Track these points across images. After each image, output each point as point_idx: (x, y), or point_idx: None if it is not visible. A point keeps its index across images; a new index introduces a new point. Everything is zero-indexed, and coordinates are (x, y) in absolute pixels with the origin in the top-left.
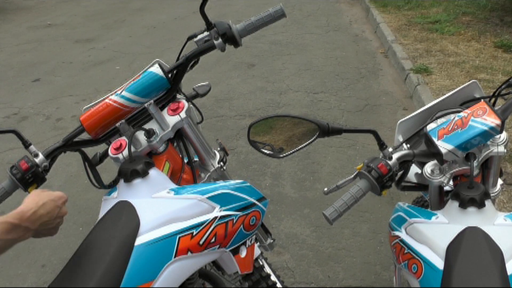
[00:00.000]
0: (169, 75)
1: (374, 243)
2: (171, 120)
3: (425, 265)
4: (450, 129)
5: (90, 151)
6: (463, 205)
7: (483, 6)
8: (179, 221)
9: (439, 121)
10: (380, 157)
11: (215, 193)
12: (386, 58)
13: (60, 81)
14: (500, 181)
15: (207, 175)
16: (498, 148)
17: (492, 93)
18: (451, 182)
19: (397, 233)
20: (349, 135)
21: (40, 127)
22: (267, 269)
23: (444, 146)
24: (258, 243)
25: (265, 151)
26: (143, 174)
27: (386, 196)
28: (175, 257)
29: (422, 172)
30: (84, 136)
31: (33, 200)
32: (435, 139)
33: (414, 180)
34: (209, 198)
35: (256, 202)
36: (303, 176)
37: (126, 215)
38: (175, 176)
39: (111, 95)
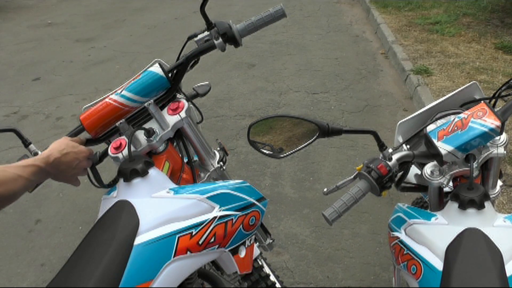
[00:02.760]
0: (169, 75)
1: (374, 243)
2: (171, 119)
3: (424, 266)
4: (450, 130)
5: None
6: (463, 206)
7: (483, 7)
8: (178, 221)
9: (439, 122)
10: (380, 158)
11: (215, 193)
12: (387, 59)
13: (60, 80)
14: (499, 183)
15: (206, 175)
16: (498, 149)
17: (492, 95)
18: (450, 183)
19: (396, 234)
20: (349, 135)
21: (40, 126)
22: (266, 269)
23: (444, 147)
24: (257, 243)
25: (265, 151)
26: (143, 173)
27: (386, 197)
28: (174, 256)
29: (421, 173)
30: (84, 135)
31: (59, 147)
32: (435, 140)
33: (413, 181)
34: (208, 198)
35: (256, 202)
36: (302, 176)
37: (125, 215)
38: (174, 176)
39: (111, 94)
